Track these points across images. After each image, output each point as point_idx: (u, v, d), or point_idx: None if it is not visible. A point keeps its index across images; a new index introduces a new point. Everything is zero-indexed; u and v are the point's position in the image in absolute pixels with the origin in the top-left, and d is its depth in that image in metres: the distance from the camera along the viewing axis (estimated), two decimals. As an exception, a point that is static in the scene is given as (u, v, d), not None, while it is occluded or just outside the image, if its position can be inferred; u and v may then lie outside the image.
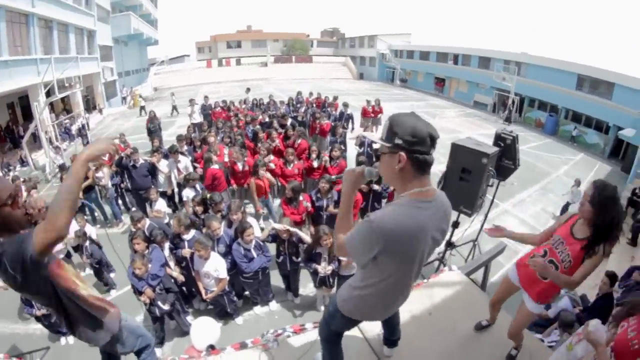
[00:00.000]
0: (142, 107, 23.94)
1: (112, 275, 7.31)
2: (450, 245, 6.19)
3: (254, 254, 5.33)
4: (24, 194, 7.86)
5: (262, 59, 48.43)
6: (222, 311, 5.79)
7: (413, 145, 1.71)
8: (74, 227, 6.91)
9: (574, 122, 21.24)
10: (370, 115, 15.71)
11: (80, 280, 2.34)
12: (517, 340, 3.33)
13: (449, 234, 6.25)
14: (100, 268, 6.93)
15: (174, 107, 23.31)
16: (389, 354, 3.35)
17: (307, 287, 6.59)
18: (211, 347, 4.03)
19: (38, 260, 1.80)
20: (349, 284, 2.33)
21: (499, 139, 5.36)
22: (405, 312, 3.68)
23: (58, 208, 1.73)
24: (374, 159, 8.97)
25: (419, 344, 3.39)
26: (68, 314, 2.28)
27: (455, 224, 6.00)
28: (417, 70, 38.71)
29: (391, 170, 1.82)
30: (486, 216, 6.22)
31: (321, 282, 5.52)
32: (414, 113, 1.85)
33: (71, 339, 5.94)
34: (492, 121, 22.99)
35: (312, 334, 3.79)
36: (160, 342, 5.55)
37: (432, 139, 1.74)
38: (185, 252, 5.46)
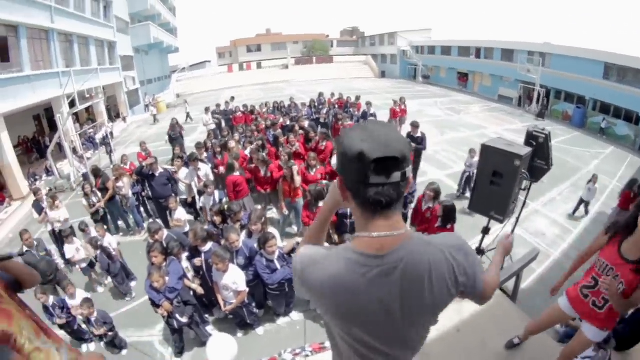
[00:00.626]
0: (154, 116, 24.53)
1: (132, 284, 7.40)
2: (480, 252, 5.85)
3: (278, 265, 5.17)
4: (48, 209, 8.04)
5: (283, 61, 48.49)
6: (242, 322, 5.67)
7: (346, 173, 1.22)
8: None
9: (603, 114, 20.40)
10: (399, 115, 15.15)
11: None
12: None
13: (477, 239, 5.96)
14: (117, 277, 6.99)
15: (188, 115, 23.57)
16: None
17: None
18: None
19: None
20: None
21: (530, 137, 4.99)
22: (432, 329, 3.42)
23: None
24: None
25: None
26: None
27: (486, 230, 5.65)
28: (440, 65, 38.11)
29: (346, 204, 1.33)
30: (517, 219, 5.78)
31: None
32: (372, 122, 1.26)
33: (93, 346, 6.07)
34: (517, 115, 22.31)
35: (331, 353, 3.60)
36: (180, 353, 5.56)
37: (363, 160, 1.11)
38: (197, 261, 5.39)
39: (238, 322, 5.68)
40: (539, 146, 4.91)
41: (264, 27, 69.91)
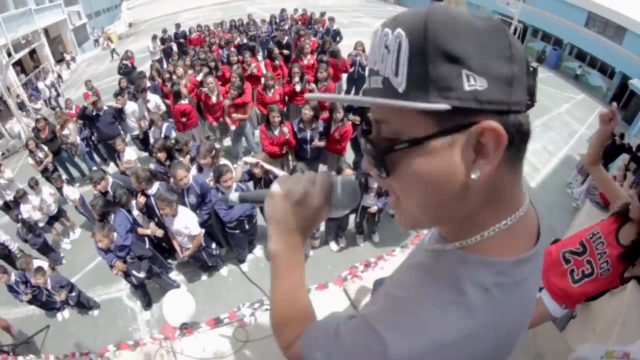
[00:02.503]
0: (113, 50, 22.47)
1: None
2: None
3: (235, 200, 4.59)
4: None
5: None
6: (204, 265, 5.37)
7: (514, 91, 0.56)
8: (48, 191, 6.79)
9: (578, 60, 20.39)
10: None
11: None
12: None
13: None
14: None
15: (113, 51, 22.00)
16: None
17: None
18: (185, 326, 3.64)
19: None
20: None
21: None
22: None
23: None
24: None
25: None
26: None
27: None
28: None
29: (445, 189, 0.59)
30: None
31: None
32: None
33: (67, 313, 5.88)
34: None
35: None
36: (148, 305, 5.40)
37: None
38: (140, 199, 4.91)
39: (200, 265, 5.38)
40: None
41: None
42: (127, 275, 4.68)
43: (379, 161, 0.62)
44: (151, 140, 7.91)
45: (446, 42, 0.52)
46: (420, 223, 0.71)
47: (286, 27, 13.57)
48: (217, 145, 6.34)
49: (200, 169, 5.13)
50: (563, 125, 12.13)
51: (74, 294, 5.36)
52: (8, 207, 7.51)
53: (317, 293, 3.64)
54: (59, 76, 18.65)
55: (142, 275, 4.73)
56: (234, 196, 0.96)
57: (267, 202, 0.87)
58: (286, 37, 11.08)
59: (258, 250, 5.84)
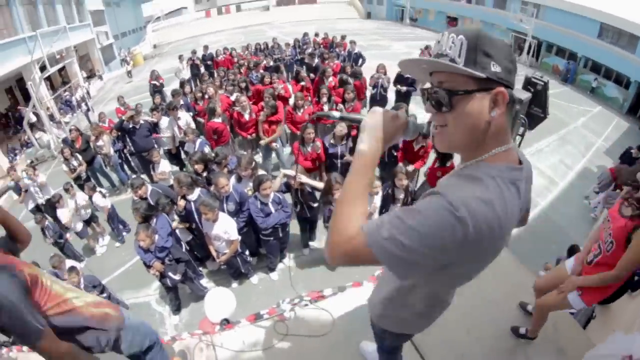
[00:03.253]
0: (129, 72, 23.73)
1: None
2: None
3: (272, 208, 4.95)
4: (27, 181, 7.69)
5: (263, 2, 46.70)
6: (236, 272, 5.58)
7: (511, 78, 1.09)
8: (83, 197, 7.16)
9: (593, 73, 20.25)
10: None
11: (71, 291, 2.18)
12: (539, 319, 2.96)
13: None
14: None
15: (129, 73, 23.42)
16: None
17: (322, 240, 6.35)
18: (225, 322, 3.85)
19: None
20: (382, 298, 1.72)
21: (528, 83, 4.96)
22: None
23: None
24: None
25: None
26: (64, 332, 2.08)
27: None
28: (428, 8, 36.32)
29: (476, 121, 1.08)
30: None
31: None
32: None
33: None
34: None
35: (331, 301, 3.71)
36: (177, 309, 5.55)
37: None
38: (181, 203, 5.22)
39: (232, 272, 5.59)
40: (537, 93, 4.85)
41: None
42: (162, 276, 4.89)
43: (447, 101, 1.08)
44: (182, 155, 8.40)
45: (485, 46, 1.03)
46: (454, 146, 1.18)
47: (309, 50, 14.02)
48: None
49: (239, 180, 5.46)
50: (580, 138, 12.15)
51: (105, 294, 5.53)
52: (39, 210, 7.85)
53: (352, 290, 3.86)
54: (88, 92, 19.32)
55: (177, 277, 4.95)
56: (335, 113, 1.39)
57: (370, 114, 1.27)
58: (315, 60, 11.53)
59: (288, 260, 6.06)
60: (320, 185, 5.09)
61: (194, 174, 5.85)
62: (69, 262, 5.72)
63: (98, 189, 7.65)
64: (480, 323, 3.24)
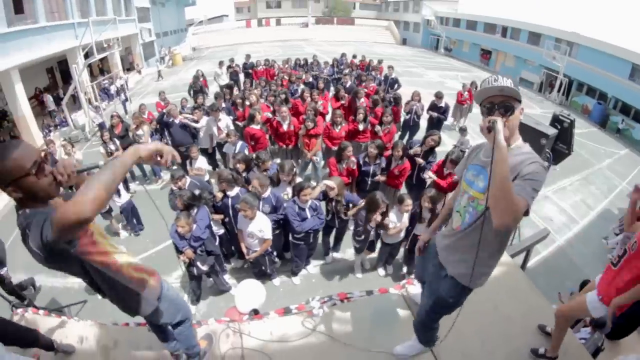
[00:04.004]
0: (159, 72, 24.61)
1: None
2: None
3: (308, 214, 5.20)
4: (64, 155, 8.06)
5: (303, 19, 47.66)
6: (260, 271, 5.73)
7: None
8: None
9: (622, 114, 19.82)
10: (466, 102, 13.41)
11: (115, 248, 2.21)
12: (559, 330, 3.12)
13: None
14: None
15: (159, 72, 24.29)
16: None
17: (346, 252, 6.57)
18: (254, 312, 4.00)
19: (57, 244, 1.63)
20: (485, 256, 2.27)
21: (556, 120, 5.15)
22: None
23: (91, 187, 1.53)
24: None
25: (459, 322, 3.34)
26: (103, 288, 2.20)
27: None
28: (463, 39, 36.99)
29: (517, 122, 2.09)
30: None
31: (369, 246, 5.56)
32: None
33: None
34: (537, 101, 21.87)
35: (359, 303, 3.89)
36: (197, 300, 5.69)
37: None
38: (217, 217, 5.52)
39: (256, 271, 5.74)
40: (563, 130, 5.02)
41: (285, -17, 68.67)
42: (190, 264, 5.09)
43: (510, 111, 2.00)
44: (217, 156, 8.73)
45: (516, 84, 2.01)
46: (510, 135, 2.07)
47: (347, 71, 14.33)
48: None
49: (277, 184, 5.74)
50: (603, 179, 12.07)
51: None
52: (71, 187, 8.18)
53: (379, 295, 4.05)
54: (126, 83, 20.04)
55: (205, 268, 5.16)
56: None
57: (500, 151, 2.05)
58: (349, 82, 11.91)
59: (312, 267, 6.25)
60: (360, 201, 5.43)
61: (234, 173, 6.15)
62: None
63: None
64: (495, 338, 3.40)
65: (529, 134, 4.67)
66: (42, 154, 1.82)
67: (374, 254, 6.00)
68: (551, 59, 22.54)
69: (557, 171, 10.38)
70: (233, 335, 3.57)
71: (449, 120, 12.60)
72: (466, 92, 13.07)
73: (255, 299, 4.12)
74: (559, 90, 22.07)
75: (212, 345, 3.44)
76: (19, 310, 4.13)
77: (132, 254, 2.42)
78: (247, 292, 4.20)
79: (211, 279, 5.72)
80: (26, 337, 3.38)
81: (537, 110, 19.21)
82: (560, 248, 7.85)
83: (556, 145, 5.00)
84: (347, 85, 11.40)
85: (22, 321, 3.85)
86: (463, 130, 10.16)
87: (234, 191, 5.37)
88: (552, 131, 4.72)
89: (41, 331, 3.56)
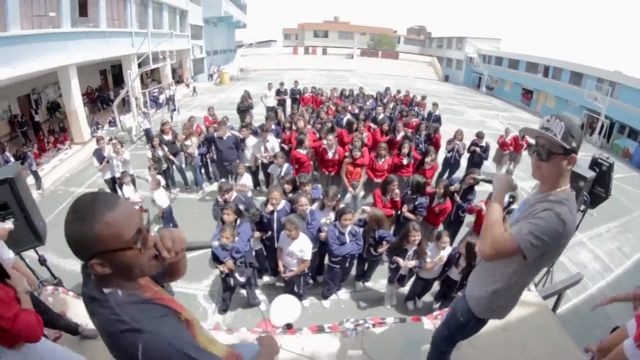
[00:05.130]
0: (194, 88, 25.91)
1: None
2: None
3: (347, 239, 5.34)
4: (112, 153, 8.64)
5: (349, 50, 48.89)
6: (291, 291, 5.79)
7: (578, 149, 2.01)
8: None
9: None
10: (509, 148, 12.61)
11: (212, 344, 1.88)
12: None
13: None
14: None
15: (194, 89, 25.49)
16: None
17: (377, 282, 6.62)
18: (287, 326, 4.11)
19: None
20: (484, 285, 2.46)
21: (594, 163, 5.14)
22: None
23: None
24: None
25: (490, 358, 3.53)
26: None
27: None
28: (505, 78, 37.11)
29: (559, 170, 2.06)
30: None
31: (399, 279, 5.60)
32: (571, 115, 2.09)
33: None
34: None
35: (392, 330, 3.98)
36: (224, 310, 5.85)
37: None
38: (257, 234, 5.77)
39: (288, 290, 5.81)
40: (601, 174, 5.00)
41: (332, 14, 71.32)
42: (227, 275, 5.27)
43: (547, 156, 2.03)
44: (260, 176, 9.14)
45: (572, 131, 1.97)
46: (544, 181, 2.14)
47: (390, 105, 14.58)
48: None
49: (321, 208, 5.94)
50: None
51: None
52: (113, 182, 8.79)
53: (412, 323, 4.17)
54: (173, 96, 21.07)
55: (242, 280, 5.33)
56: (479, 177, 2.75)
57: (497, 178, 2.36)
58: (381, 114, 12.12)
59: (342, 293, 6.31)
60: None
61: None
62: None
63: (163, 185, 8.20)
64: None
65: None
66: (142, 221, 1.41)
67: (404, 289, 6.05)
68: (592, 99, 22.26)
69: (594, 217, 9.84)
70: None
71: (490, 163, 12.48)
72: (510, 139, 12.42)
73: (290, 314, 4.26)
74: (599, 133, 21.65)
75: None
76: (49, 288, 4.30)
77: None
78: (283, 306, 4.36)
79: (244, 291, 5.86)
80: (53, 318, 3.52)
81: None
82: (592, 296, 7.67)
83: (594, 189, 4.99)
84: (380, 118, 11.60)
85: (49, 298, 4.04)
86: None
87: (281, 204, 5.60)
88: (590, 174, 4.73)
89: (68, 312, 3.77)
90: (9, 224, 3.51)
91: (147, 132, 13.96)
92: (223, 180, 7.62)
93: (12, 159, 10.62)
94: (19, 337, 2.12)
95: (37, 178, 10.58)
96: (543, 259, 2.11)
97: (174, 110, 17.73)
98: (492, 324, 2.74)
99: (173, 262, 1.54)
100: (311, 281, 5.96)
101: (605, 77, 23.71)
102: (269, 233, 5.73)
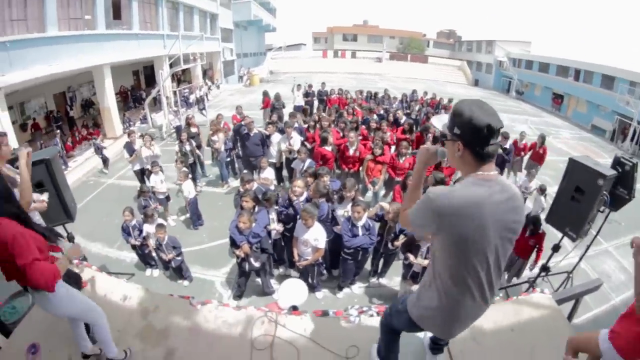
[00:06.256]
0: (218, 86, 27.42)
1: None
2: (545, 269, 5.98)
3: (360, 231, 5.50)
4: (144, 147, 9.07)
5: (377, 54, 48.68)
6: (305, 281, 5.85)
7: (471, 137, 1.85)
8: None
9: None
10: (520, 154, 11.71)
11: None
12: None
13: (545, 258, 6.12)
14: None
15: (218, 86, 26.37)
16: None
17: (392, 279, 6.71)
18: (293, 308, 4.31)
19: None
20: (419, 289, 2.42)
21: (617, 163, 4.94)
22: (490, 321, 3.72)
23: None
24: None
25: (493, 358, 3.40)
26: None
27: (556, 248, 5.73)
28: (535, 82, 36.18)
29: (452, 156, 1.98)
30: (586, 250, 5.77)
31: (412, 276, 5.64)
32: (479, 101, 1.90)
33: (156, 272, 6.97)
34: (608, 150, 20.30)
35: None
36: (239, 296, 6.10)
37: (490, 130, 1.80)
38: (278, 228, 5.98)
39: (302, 280, 5.89)
40: (624, 174, 4.84)
41: (361, 18, 71.78)
42: (243, 260, 5.52)
43: (446, 141, 2.00)
44: (284, 172, 9.56)
45: (455, 115, 1.90)
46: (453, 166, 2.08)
47: (417, 108, 14.70)
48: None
49: (340, 200, 6.11)
50: None
51: (180, 258, 6.43)
52: (142, 174, 9.20)
53: None
54: (207, 94, 21.73)
55: (257, 265, 5.59)
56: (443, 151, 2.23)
57: (423, 147, 2.33)
58: (403, 117, 12.05)
59: (357, 288, 6.46)
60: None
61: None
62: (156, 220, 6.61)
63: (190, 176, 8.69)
64: None
65: (586, 174, 4.75)
66: None
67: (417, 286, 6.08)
68: (624, 104, 21.50)
69: (622, 226, 9.83)
70: (268, 323, 3.80)
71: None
72: (522, 144, 11.59)
73: (297, 297, 4.45)
74: (632, 139, 20.67)
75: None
76: (75, 261, 4.48)
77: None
78: (290, 289, 4.56)
79: (259, 279, 6.13)
80: (75, 280, 3.85)
81: (607, 159, 18.38)
82: (614, 307, 7.38)
83: (617, 190, 4.85)
84: (402, 121, 11.47)
85: (75, 269, 4.28)
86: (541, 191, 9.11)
87: (304, 195, 5.90)
88: (610, 172, 4.64)
89: (89, 286, 4.08)
90: (45, 196, 3.86)
91: (178, 129, 14.45)
92: (245, 171, 7.92)
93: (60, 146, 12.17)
94: (30, 281, 2.35)
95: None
96: (444, 246, 2.02)
97: (203, 109, 18.37)
98: (499, 322, 2.71)
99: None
100: (325, 272, 6.17)
101: (638, 80, 22.98)
102: (291, 225, 5.94)
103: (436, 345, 3.20)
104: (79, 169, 12.17)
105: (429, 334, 3.30)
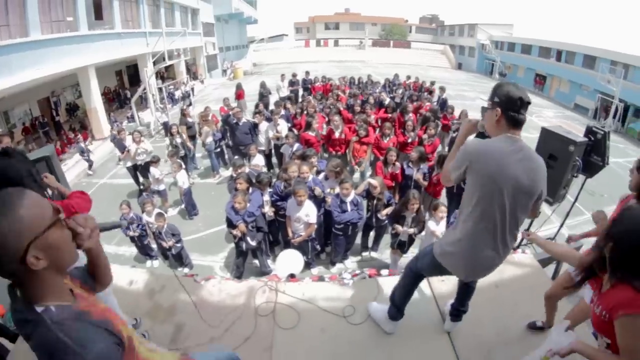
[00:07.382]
0: (202, 80, 27.59)
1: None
2: (527, 231, 6.30)
3: (349, 207, 5.81)
4: (133, 143, 9.26)
5: (360, 41, 48.94)
6: None
7: (507, 104, 2.33)
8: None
9: None
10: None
11: (156, 355, 1.83)
12: (550, 310, 3.38)
13: (527, 222, 6.35)
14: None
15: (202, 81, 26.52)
16: (449, 328, 3.55)
17: (384, 253, 7.02)
18: (291, 276, 4.63)
19: None
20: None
21: (589, 132, 5.17)
22: None
23: None
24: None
25: (479, 312, 3.60)
26: None
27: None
28: (518, 64, 37.00)
29: (491, 122, 2.45)
30: (566, 217, 6.07)
31: (399, 245, 6.01)
32: (515, 83, 2.45)
33: (157, 263, 7.20)
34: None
35: (385, 280, 4.27)
36: (239, 277, 6.19)
37: (522, 102, 2.31)
38: (269, 211, 6.30)
39: None
40: (597, 142, 5.09)
41: (343, 6, 71.52)
42: (240, 239, 5.77)
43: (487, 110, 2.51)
44: (273, 159, 9.87)
45: (495, 88, 2.46)
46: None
47: (400, 91, 15.10)
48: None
49: (326, 178, 6.46)
50: None
51: (179, 245, 6.69)
52: (135, 170, 9.54)
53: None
54: (192, 89, 21.88)
55: (253, 243, 5.84)
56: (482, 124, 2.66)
57: (466, 119, 2.96)
58: (387, 99, 12.86)
59: (349, 262, 6.80)
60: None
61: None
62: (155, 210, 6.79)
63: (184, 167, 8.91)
64: (511, 331, 3.64)
65: (558, 142, 5.04)
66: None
67: (406, 256, 6.27)
68: (606, 82, 21.99)
69: (605, 197, 10.38)
70: (269, 291, 4.07)
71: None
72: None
73: (293, 267, 4.82)
74: (614, 117, 21.28)
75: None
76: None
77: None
78: (286, 260, 4.91)
79: (256, 260, 6.41)
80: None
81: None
82: None
83: (591, 158, 5.13)
84: (386, 102, 12.32)
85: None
86: None
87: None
88: (580, 139, 4.90)
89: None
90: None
91: (165, 125, 14.72)
92: (237, 157, 8.22)
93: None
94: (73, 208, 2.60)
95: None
96: (472, 182, 2.44)
97: (190, 105, 18.57)
98: (484, 280, 2.95)
99: (92, 252, 1.73)
100: (319, 247, 6.50)
101: (619, 60, 23.65)
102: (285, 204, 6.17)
103: (456, 311, 3.40)
104: (70, 172, 12.25)
105: (450, 301, 3.51)
